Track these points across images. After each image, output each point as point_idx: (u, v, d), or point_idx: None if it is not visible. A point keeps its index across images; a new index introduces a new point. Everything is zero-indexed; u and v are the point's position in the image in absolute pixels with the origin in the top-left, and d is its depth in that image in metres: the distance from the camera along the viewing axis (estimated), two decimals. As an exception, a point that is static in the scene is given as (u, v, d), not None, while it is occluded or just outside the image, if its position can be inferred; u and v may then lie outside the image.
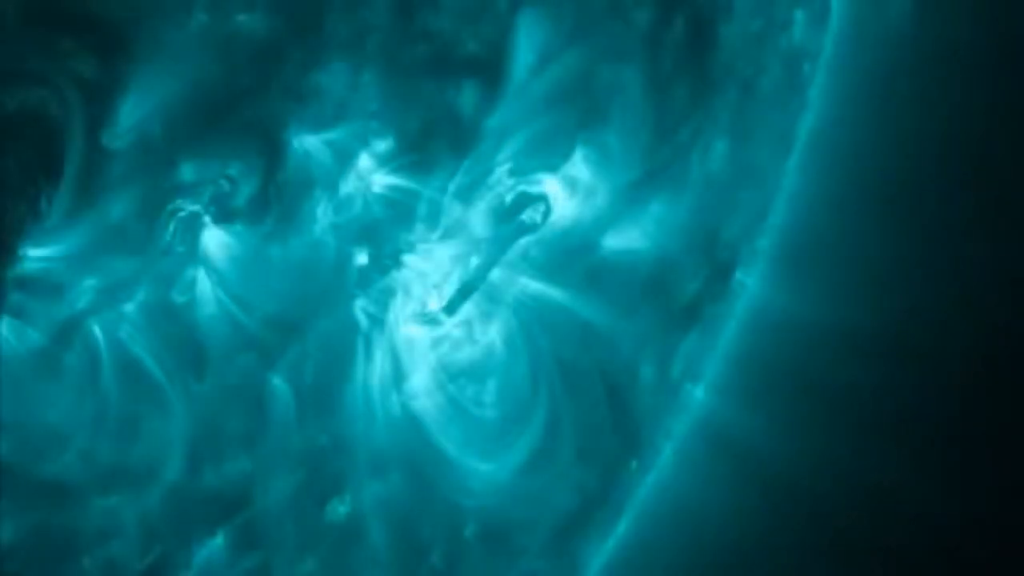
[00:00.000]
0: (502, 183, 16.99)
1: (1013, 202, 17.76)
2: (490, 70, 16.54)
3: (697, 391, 19.21)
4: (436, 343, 17.26)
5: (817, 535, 18.33)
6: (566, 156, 17.17)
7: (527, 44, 16.61)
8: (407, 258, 16.82)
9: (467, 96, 16.55)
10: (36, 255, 15.13)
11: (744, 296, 19.37)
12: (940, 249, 17.96)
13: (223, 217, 15.92)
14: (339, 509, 17.17)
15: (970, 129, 17.97)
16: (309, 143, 16.09)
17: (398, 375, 17.16)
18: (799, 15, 18.77)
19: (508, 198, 17.06)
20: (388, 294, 16.91)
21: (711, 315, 19.23)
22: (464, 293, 16.96)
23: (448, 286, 17.04)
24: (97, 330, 15.67)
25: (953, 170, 18.24)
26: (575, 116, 17.08)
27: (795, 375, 18.77)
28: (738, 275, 19.26)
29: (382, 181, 16.49)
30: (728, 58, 17.94)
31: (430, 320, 17.11)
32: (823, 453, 18.40)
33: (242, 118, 15.72)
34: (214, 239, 15.95)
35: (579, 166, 17.32)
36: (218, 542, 16.68)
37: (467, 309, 17.36)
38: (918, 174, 18.33)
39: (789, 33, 18.70)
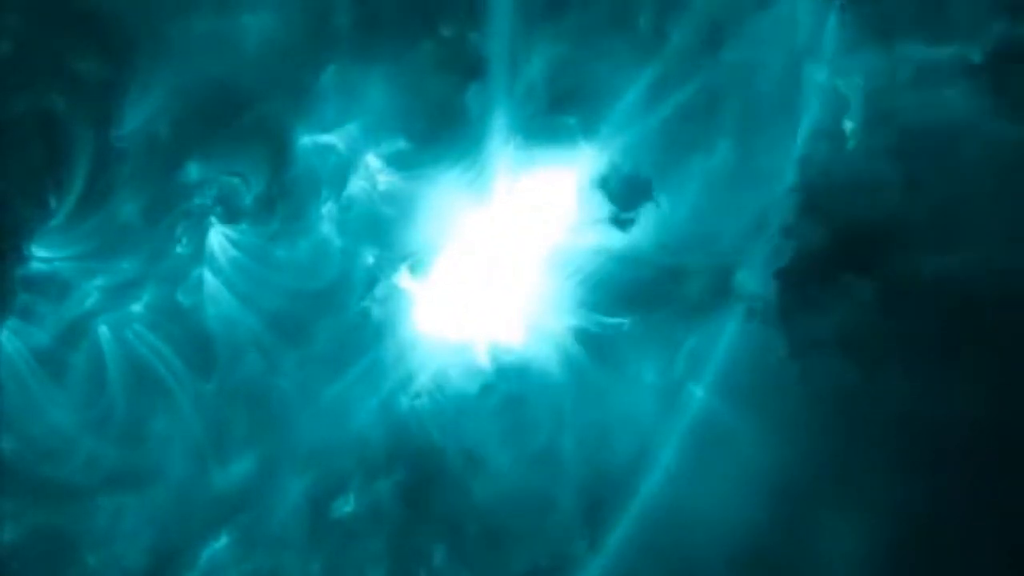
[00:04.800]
0: (506, 182, 17.28)
1: (1014, 201, 18.01)
2: (495, 70, 16.83)
3: (697, 391, 19.30)
4: (442, 342, 17.52)
5: (816, 534, 18.46)
6: (570, 156, 17.43)
7: (532, 44, 16.92)
8: (413, 256, 17.10)
9: (472, 95, 16.84)
10: (43, 255, 15.44)
11: (744, 296, 19.49)
12: (940, 248, 18.17)
13: (230, 217, 16.27)
14: (343, 508, 17.42)
15: (971, 127, 18.23)
16: (315, 142, 16.40)
17: (404, 374, 17.41)
18: (800, 15, 18.92)
19: (513, 197, 17.37)
20: (394, 293, 17.18)
21: (712, 315, 19.36)
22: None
23: (455, 283, 17.37)
24: (104, 330, 15.97)
25: (953, 168, 18.43)
26: (579, 116, 17.34)
27: (794, 375, 18.91)
28: (738, 275, 19.37)
29: (389, 180, 16.78)
30: (730, 58, 18.17)
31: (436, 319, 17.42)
32: (822, 453, 18.56)
33: (249, 118, 16.05)
34: (221, 239, 16.26)
35: (582, 167, 17.58)
36: (223, 542, 16.93)
37: (470, 308, 17.65)
38: (917, 173, 18.52)
39: (790, 33, 18.87)
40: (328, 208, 16.68)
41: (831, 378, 18.36)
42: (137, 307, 16.18)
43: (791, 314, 18.66)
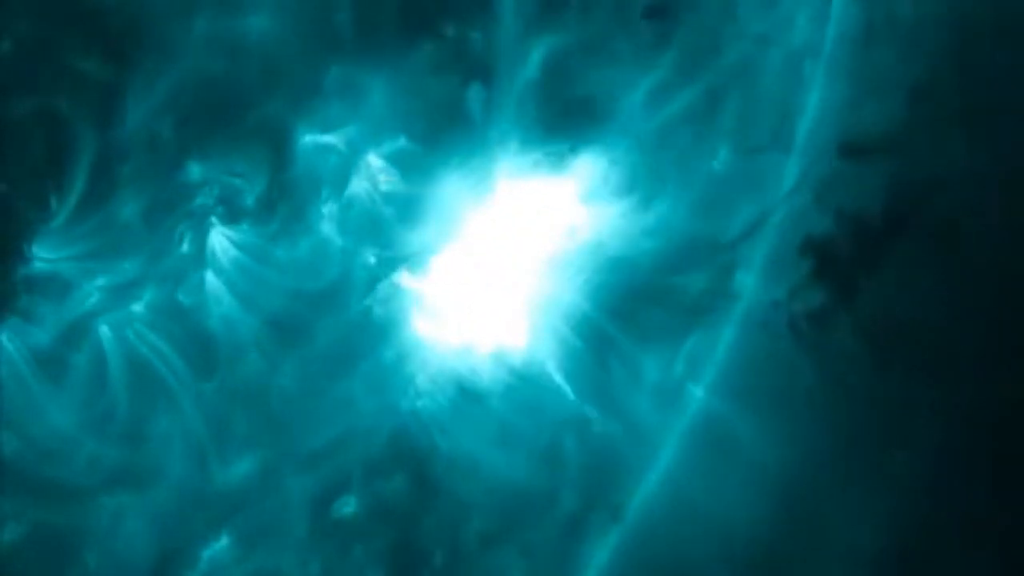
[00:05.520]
0: (507, 182, 17.36)
1: (1015, 203, 18.06)
2: (497, 70, 16.90)
3: (697, 391, 19.36)
4: (443, 343, 17.59)
5: (815, 534, 18.52)
6: (571, 157, 17.51)
7: (533, 46, 16.98)
8: (414, 257, 17.17)
9: (473, 96, 16.91)
10: (45, 256, 15.48)
11: (744, 296, 19.54)
12: (942, 248, 18.23)
13: (231, 217, 16.32)
14: (344, 508, 17.48)
15: (971, 129, 18.29)
16: (316, 142, 16.45)
17: (405, 375, 17.47)
18: (800, 15, 19.00)
19: (514, 197, 17.46)
20: (395, 293, 17.24)
21: (712, 315, 19.43)
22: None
23: (455, 283, 17.44)
24: (106, 330, 16.01)
25: (952, 169, 18.49)
26: (580, 118, 17.41)
27: (795, 375, 18.97)
28: (738, 275, 19.43)
29: (389, 180, 16.84)
30: (731, 60, 18.25)
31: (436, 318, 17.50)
32: (822, 453, 18.62)
33: (250, 118, 16.10)
34: (222, 239, 16.31)
35: (583, 167, 17.65)
36: (223, 542, 17.00)
37: (471, 308, 17.72)
38: (918, 175, 18.58)
39: (790, 33, 18.94)
40: (329, 208, 16.75)
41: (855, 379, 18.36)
42: (138, 307, 16.24)
43: (811, 303, 18.66)
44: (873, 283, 18.44)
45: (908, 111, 18.21)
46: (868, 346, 18.38)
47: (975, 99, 18.12)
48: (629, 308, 18.48)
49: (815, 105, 19.19)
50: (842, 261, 18.56)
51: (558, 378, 18.18)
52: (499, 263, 17.74)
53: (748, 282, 19.30)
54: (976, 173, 17.99)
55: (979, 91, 18.11)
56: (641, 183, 18.04)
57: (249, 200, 16.32)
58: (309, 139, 16.50)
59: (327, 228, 16.75)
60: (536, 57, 17.15)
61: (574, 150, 17.54)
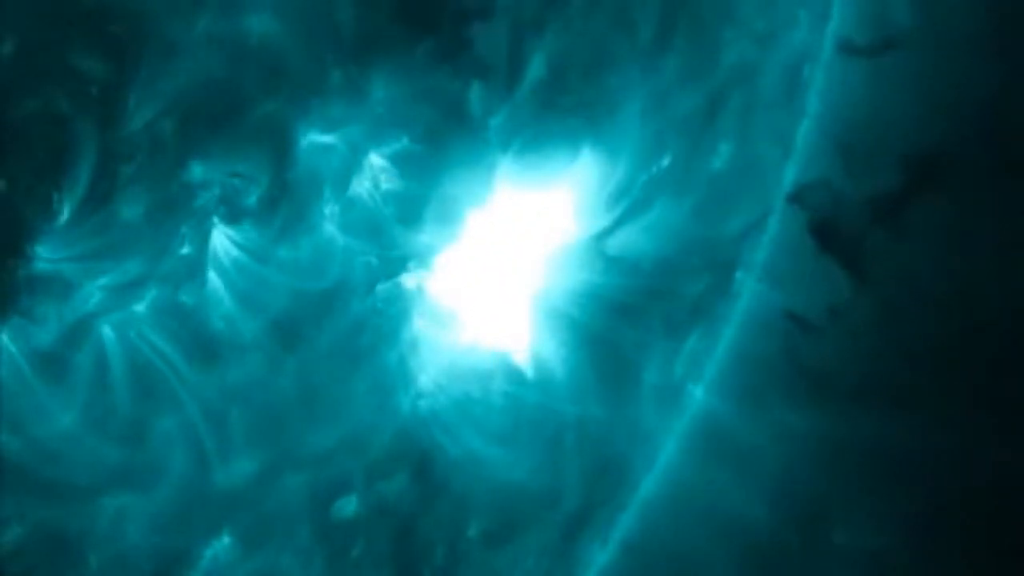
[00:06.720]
0: (509, 182, 17.43)
1: (1017, 199, 18.12)
2: (498, 71, 16.95)
3: (697, 391, 19.45)
4: (444, 343, 17.65)
5: (816, 533, 18.60)
6: (572, 158, 17.57)
7: (535, 47, 17.03)
8: (416, 257, 17.22)
9: (475, 96, 16.95)
10: (47, 256, 15.47)
11: (744, 296, 19.63)
12: (940, 247, 18.31)
13: (232, 217, 16.33)
14: (346, 508, 17.53)
15: (972, 129, 18.35)
16: (318, 142, 16.47)
17: (407, 375, 17.52)
18: (801, 16, 19.09)
19: (516, 197, 17.53)
20: (397, 293, 17.29)
21: (712, 315, 19.53)
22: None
23: (457, 283, 17.51)
24: (107, 330, 16.02)
25: (953, 170, 18.57)
26: (581, 118, 17.47)
27: (794, 374, 19.04)
28: (738, 275, 19.53)
29: (391, 180, 16.88)
30: (731, 60, 18.32)
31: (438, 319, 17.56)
32: (822, 452, 18.69)
33: (251, 118, 16.11)
34: (223, 239, 16.33)
35: (584, 167, 17.71)
36: (225, 541, 17.03)
37: (474, 308, 17.78)
38: (918, 175, 18.66)
39: (791, 34, 19.03)
40: (331, 208, 16.78)
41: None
42: (140, 307, 16.23)
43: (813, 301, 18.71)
44: (877, 281, 18.49)
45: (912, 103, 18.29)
46: (874, 343, 18.45)
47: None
48: (629, 308, 18.56)
49: (815, 105, 19.28)
50: (846, 256, 18.61)
51: (559, 378, 18.26)
52: (500, 263, 17.81)
53: (748, 282, 19.38)
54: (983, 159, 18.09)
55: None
56: (641, 183, 18.11)
57: (251, 200, 16.32)
58: (310, 139, 16.51)
59: (329, 228, 16.79)
60: (538, 57, 17.20)
61: (575, 150, 17.60)
